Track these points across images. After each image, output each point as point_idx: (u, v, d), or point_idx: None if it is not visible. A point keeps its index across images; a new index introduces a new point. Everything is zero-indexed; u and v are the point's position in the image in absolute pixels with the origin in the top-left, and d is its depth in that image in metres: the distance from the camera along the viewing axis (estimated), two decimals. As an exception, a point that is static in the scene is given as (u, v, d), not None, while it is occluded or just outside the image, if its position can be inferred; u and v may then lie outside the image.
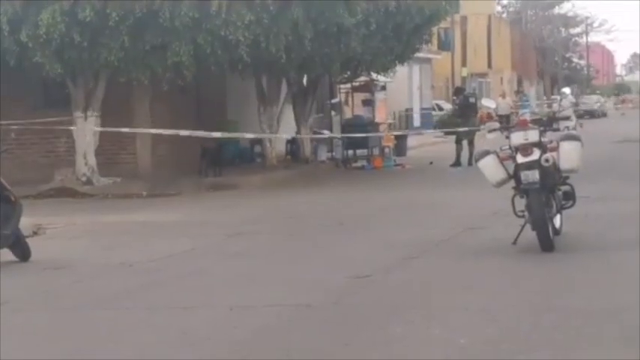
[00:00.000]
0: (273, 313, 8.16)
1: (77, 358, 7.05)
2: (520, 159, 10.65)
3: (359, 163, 27.21)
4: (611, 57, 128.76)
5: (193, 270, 10.62)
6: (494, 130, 11.74)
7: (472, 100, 27.56)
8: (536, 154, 10.59)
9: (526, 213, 10.59)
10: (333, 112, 29.77)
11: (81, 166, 21.34)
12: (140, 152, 23.10)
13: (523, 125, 11.07)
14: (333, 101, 30.25)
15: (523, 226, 10.66)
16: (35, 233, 13.68)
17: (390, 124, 34.50)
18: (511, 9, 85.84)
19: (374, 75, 29.54)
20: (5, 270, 11.01)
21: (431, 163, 27.11)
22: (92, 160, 21.38)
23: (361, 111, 31.96)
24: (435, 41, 41.34)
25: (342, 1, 21.27)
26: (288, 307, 8.33)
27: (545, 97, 69.17)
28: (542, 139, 10.88)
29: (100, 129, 20.97)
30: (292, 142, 27.28)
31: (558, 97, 44.46)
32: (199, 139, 23.12)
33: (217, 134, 20.49)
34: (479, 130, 25.47)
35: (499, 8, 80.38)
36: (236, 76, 24.19)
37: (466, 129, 25.00)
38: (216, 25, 19.59)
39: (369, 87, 30.90)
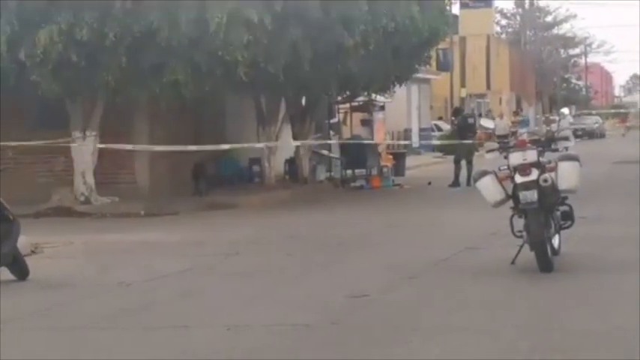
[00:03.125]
0: (271, 333, 8.14)
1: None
2: (519, 179, 10.64)
3: (357, 183, 27.20)
4: (609, 78, 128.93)
5: (191, 289, 10.60)
6: (493, 150, 11.74)
7: (471, 120, 27.59)
8: (534, 174, 10.59)
9: (524, 233, 10.58)
10: (331, 132, 29.79)
11: (79, 186, 21.33)
12: (138, 172, 23.10)
13: (522, 145, 11.07)
14: (332, 121, 30.27)
15: (521, 246, 10.65)
16: (33, 252, 13.64)
17: (388, 145, 34.48)
18: (510, 30, 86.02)
19: (373, 95, 29.58)
20: (3, 289, 10.97)
21: (429, 183, 27.12)
22: (90, 180, 21.37)
23: (360, 131, 31.98)
24: (433, 62, 41.43)
25: (340, 22, 21.32)
26: (287, 327, 8.32)
27: (543, 117, 69.25)
28: (541, 159, 10.89)
29: (101, 145, 21.04)
30: (291, 162, 27.29)
31: (557, 118, 44.56)
32: (197, 159, 23.17)
33: (226, 146, 20.65)
34: (477, 150, 25.51)
35: (498, 29, 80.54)
36: (235, 96, 24.20)
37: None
38: (215, 45, 19.61)
39: (367, 107, 30.94)
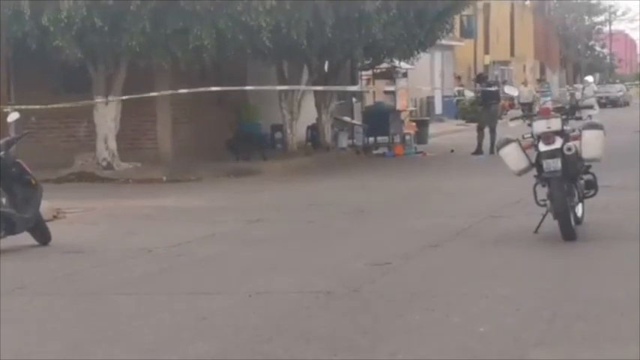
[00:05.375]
0: (292, 300, 8.14)
1: (97, 342, 7.03)
2: (542, 147, 10.58)
3: (380, 151, 27.14)
4: (634, 46, 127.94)
5: (213, 256, 10.61)
6: (517, 118, 11.67)
7: (494, 88, 27.43)
8: (558, 143, 10.52)
9: (548, 202, 10.54)
10: (354, 99, 29.70)
11: (101, 151, 21.36)
12: (161, 137, 23.11)
13: (545, 113, 10.99)
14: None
15: (545, 215, 10.61)
16: (55, 217, 13.69)
17: (411, 112, 34.39)
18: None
19: (396, 62, 29.46)
20: (25, 254, 11.04)
21: (452, 151, 27.03)
22: (113, 145, 21.39)
23: (382, 98, 31.89)
24: (457, 28, 41.19)
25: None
26: (308, 294, 8.31)
27: (567, 86, 68.80)
28: (565, 128, 10.82)
29: (123, 97, 20.94)
30: (313, 129, 27.24)
31: (581, 86, 44.23)
32: (221, 126, 23.19)
33: (250, 87, 20.69)
34: (500, 118, 25.40)
35: (522, -5, 79.97)
36: (257, 61, 24.15)
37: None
38: (238, 10, 19.55)
39: (390, 74, 30.83)
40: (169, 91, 21.31)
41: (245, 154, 22.95)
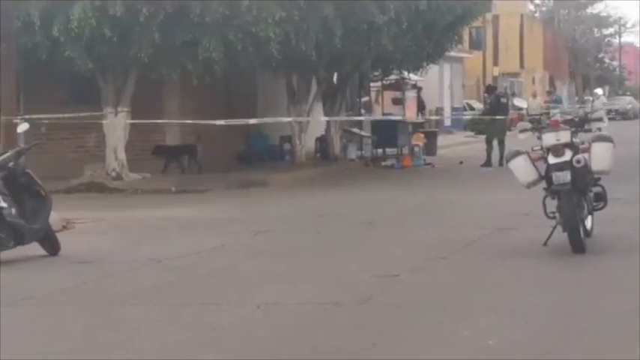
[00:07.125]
0: (301, 311, 8.13)
1: (105, 353, 7.04)
2: (552, 160, 10.57)
3: (388, 162, 27.13)
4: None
5: (221, 267, 10.61)
6: (526, 130, 11.65)
7: (504, 100, 27.36)
8: (567, 155, 10.51)
9: (557, 214, 10.51)
10: (363, 111, 29.70)
11: (111, 162, 21.39)
12: (170, 148, 23.12)
13: (555, 126, 10.98)
14: (364, 99, 30.20)
15: (554, 228, 10.58)
16: (64, 228, 13.70)
17: (421, 124, 34.37)
18: (544, 8, 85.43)
19: (405, 73, 29.47)
20: (34, 264, 11.05)
21: (461, 162, 27.01)
22: (122, 156, 21.43)
23: (391, 109, 31.88)
24: (466, 40, 41.19)
25: (372, -1, 21.27)
26: (316, 306, 8.30)
27: (577, 98, 68.74)
28: (574, 140, 10.81)
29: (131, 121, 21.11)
30: (322, 140, 27.25)
31: (591, 99, 44.29)
32: (228, 138, 23.19)
33: (254, 120, 20.74)
34: (509, 130, 25.37)
35: (532, 7, 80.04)
36: (266, 73, 24.19)
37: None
38: (247, 21, 19.59)
39: (399, 85, 30.83)
40: (177, 121, 21.48)
41: (196, 166, 22.75)
